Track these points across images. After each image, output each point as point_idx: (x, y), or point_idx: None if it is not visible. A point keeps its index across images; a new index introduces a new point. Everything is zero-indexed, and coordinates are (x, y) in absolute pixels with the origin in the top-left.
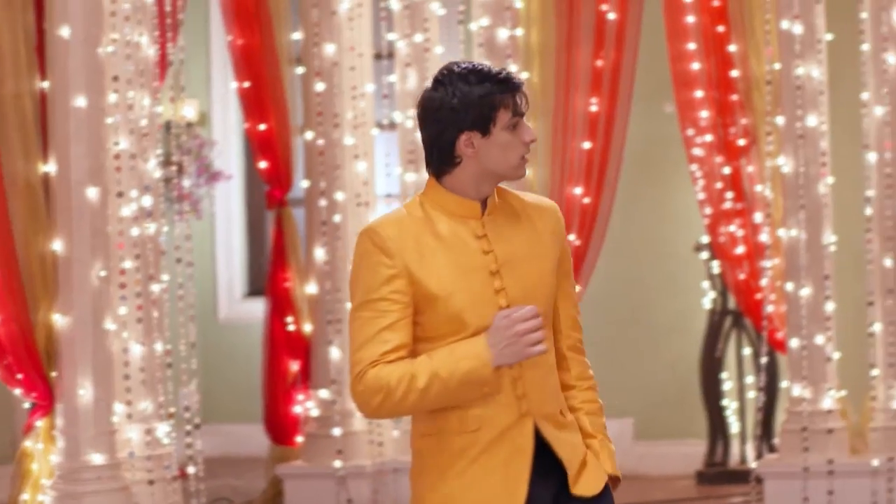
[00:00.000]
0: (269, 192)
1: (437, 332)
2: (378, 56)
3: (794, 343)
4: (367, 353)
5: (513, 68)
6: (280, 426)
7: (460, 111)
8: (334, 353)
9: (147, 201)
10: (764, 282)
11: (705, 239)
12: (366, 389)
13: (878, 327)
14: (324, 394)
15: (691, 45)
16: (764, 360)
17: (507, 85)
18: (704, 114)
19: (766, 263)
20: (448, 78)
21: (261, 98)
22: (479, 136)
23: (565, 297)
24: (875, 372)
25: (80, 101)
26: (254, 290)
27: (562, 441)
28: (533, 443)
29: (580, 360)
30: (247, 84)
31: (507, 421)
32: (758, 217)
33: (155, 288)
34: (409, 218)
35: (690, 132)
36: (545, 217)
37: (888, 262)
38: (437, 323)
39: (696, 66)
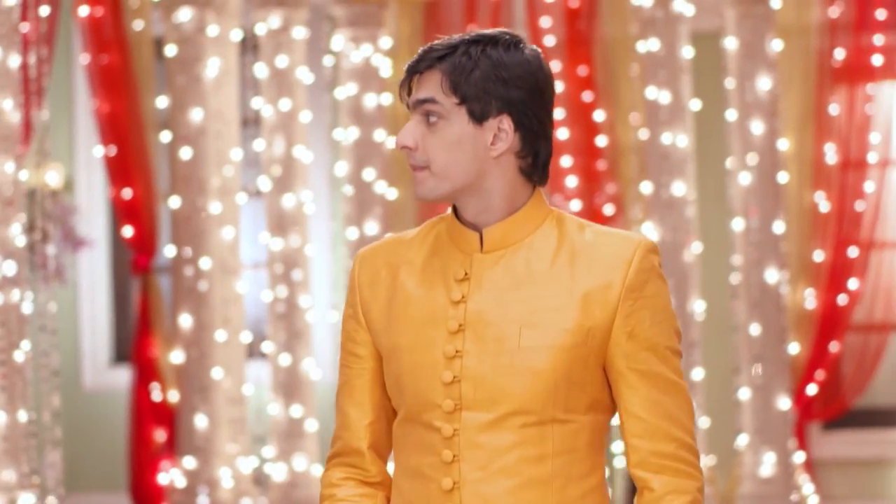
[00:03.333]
0: (134, 259)
1: (393, 400)
2: (245, 122)
3: None
4: (334, 446)
5: (380, 134)
6: (146, 495)
7: None
8: (200, 421)
9: (10, 268)
10: None
11: None
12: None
13: (745, 394)
14: (190, 463)
15: (559, 113)
16: None
17: (408, 67)
18: (572, 181)
19: None
20: None
21: (126, 164)
22: None
23: (631, 389)
24: (742, 438)
25: None
26: (119, 358)
27: None
28: None
29: (661, 480)
30: (112, 150)
31: None
32: None
33: (18, 356)
34: (408, 242)
35: (558, 199)
36: (607, 261)
37: (755, 329)
38: (389, 386)
39: (563, 133)
